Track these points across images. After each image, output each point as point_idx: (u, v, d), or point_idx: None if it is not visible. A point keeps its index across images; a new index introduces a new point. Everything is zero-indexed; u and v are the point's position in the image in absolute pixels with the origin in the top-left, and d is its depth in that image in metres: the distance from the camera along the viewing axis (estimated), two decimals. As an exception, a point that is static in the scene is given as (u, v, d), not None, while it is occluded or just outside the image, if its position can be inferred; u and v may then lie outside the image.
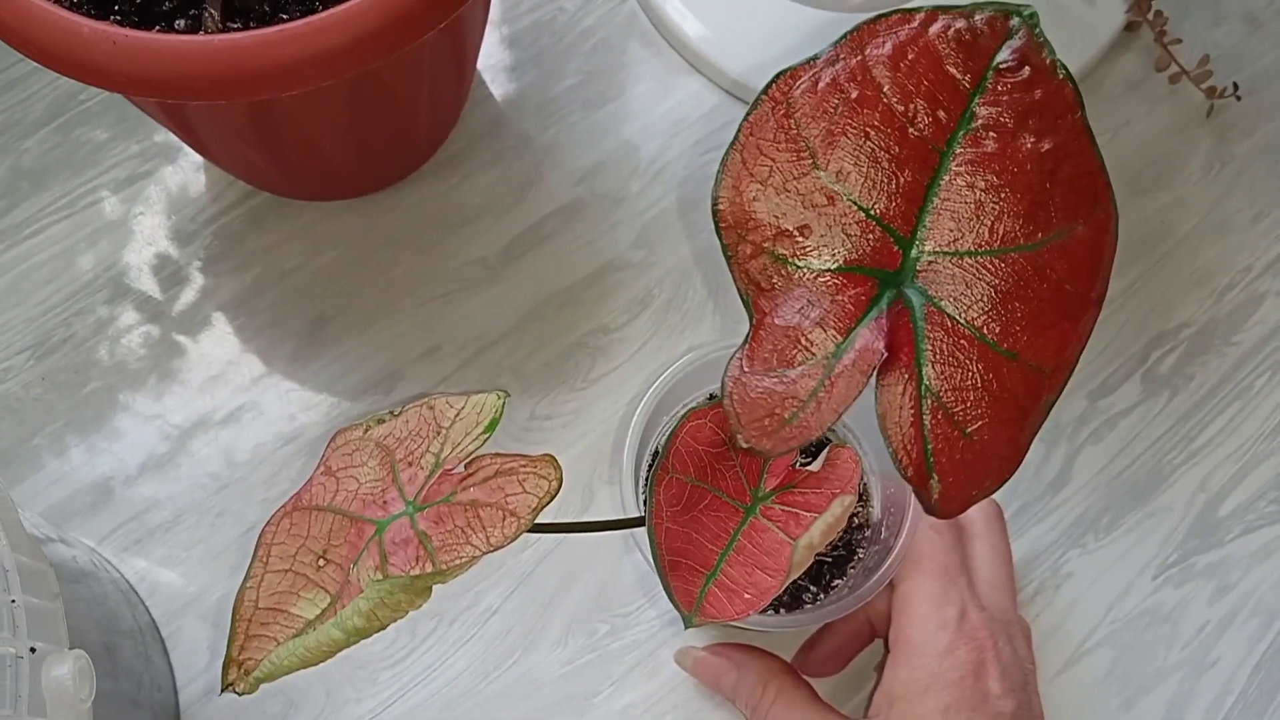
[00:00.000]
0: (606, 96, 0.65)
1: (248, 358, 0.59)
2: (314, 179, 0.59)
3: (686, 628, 0.32)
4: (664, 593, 0.33)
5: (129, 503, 0.55)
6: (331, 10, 0.41)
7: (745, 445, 0.28)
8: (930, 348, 0.28)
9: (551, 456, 0.32)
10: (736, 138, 0.29)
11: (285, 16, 0.47)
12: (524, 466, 0.32)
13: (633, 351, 0.59)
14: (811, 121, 0.28)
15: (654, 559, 0.33)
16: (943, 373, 0.27)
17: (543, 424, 0.58)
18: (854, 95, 0.28)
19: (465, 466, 0.33)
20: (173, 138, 0.63)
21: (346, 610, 0.30)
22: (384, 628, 0.30)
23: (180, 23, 0.46)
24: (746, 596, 0.32)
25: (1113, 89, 0.66)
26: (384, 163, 0.59)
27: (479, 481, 0.33)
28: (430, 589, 0.30)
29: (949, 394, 0.27)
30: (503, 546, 0.31)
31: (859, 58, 0.27)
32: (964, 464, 0.28)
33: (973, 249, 0.28)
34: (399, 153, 0.59)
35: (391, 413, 0.35)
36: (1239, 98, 0.65)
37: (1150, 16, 0.65)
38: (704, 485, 0.35)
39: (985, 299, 0.28)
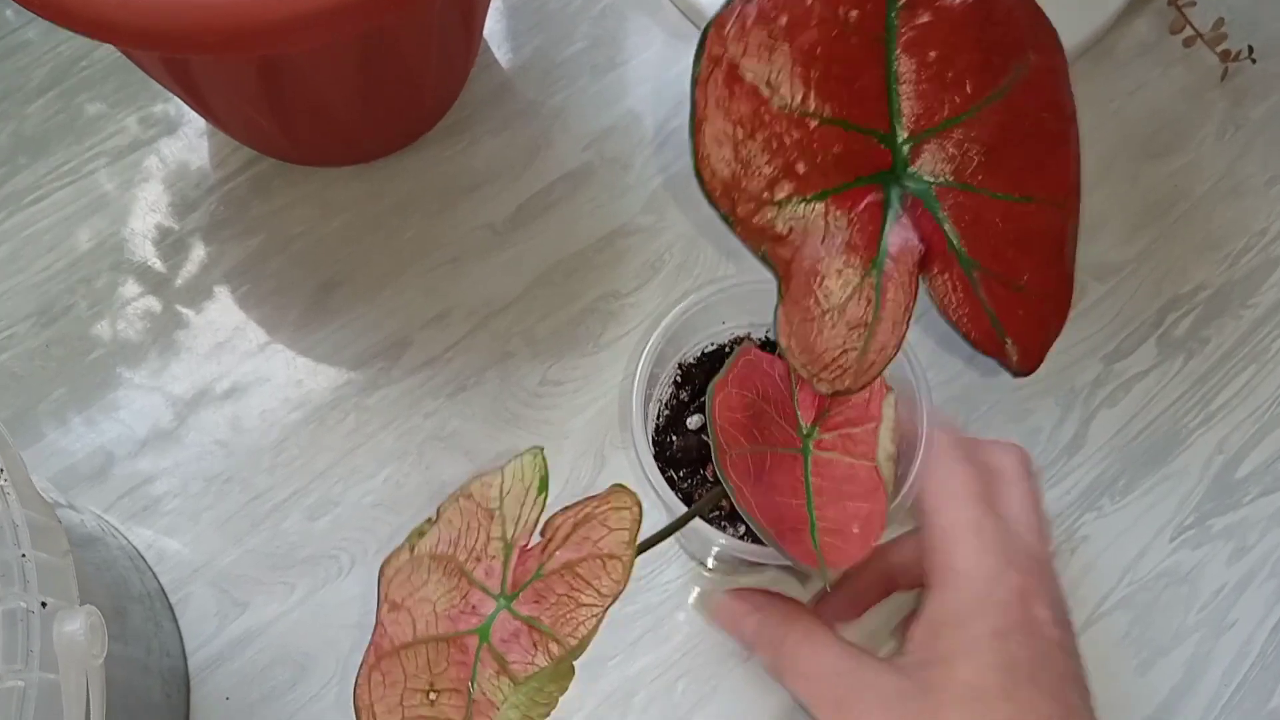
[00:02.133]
0: (615, 61, 0.64)
1: (253, 324, 0.58)
2: (320, 143, 0.58)
3: (828, 585, 0.32)
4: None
5: (135, 470, 0.55)
6: (341, -40, 0.40)
7: (829, 392, 0.27)
8: (954, 223, 0.27)
9: (622, 486, 0.30)
10: (693, 105, 0.28)
11: (292, -30, 0.46)
12: (598, 508, 0.31)
13: (643, 316, 0.59)
14: (756, 61, 0.27)
15: (766, 539, 0.32)
16: (975, 242, 0.27)
17: (553, 389, 0.57)
18: (784, 22, 0.27)
19: (542, 535, 0.32)
20: (176, 104, 0.62)
21: None
22: None
23: (186, -24, 0.45)
24: (855, 530, 0.32)
25: (1126, 53, 0.66)
26: (391, 126, 0.59)
27: (561, 543, 0.31)
28: (573, 667, 0.29)
29: (989, 259, 0.27)
30: (618, 593, 0.30)
31: None
32: (1027, 317, 0.28)
33: (950, 118, 0.28)
34: (406, 116, 0.59)
35: (429, 521, 0.33)
36: (1254, 61, 0.64)
37: (1164, -22, 0.64)
38: (759, 448, 0.34)
39: (981, 159, 0.28)
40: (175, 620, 0.52)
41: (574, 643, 0.29)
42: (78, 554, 0.40)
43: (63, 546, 0.37)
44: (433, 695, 0.30)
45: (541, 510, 0.32)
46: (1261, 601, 0.55)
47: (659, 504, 0.43)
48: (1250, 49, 0.64)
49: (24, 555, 0.35)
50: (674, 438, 0.47)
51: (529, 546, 0.32)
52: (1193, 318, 0.60)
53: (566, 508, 0.31)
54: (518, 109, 0.63)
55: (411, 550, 0.32)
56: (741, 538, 0.43)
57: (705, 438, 0.47)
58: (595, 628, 0.30)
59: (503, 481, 0.32)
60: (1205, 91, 0.65)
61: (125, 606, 0.48)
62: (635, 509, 0.30)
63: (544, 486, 0.32)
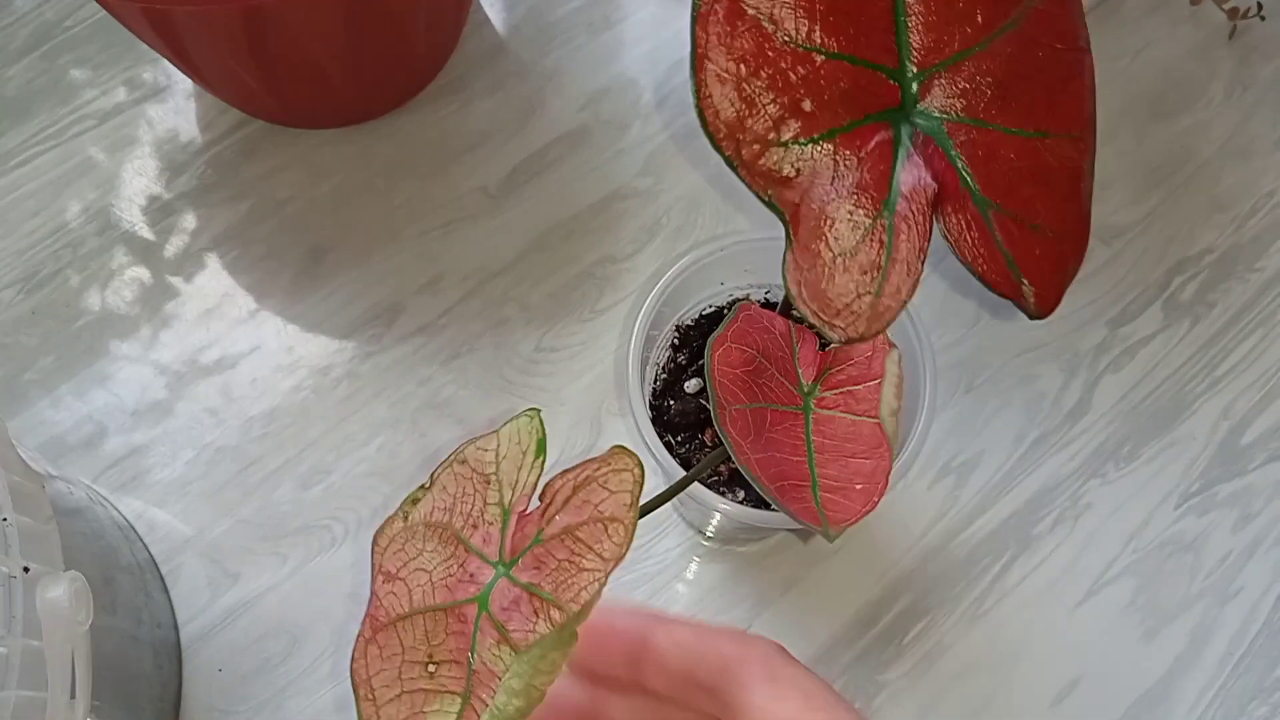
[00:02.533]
0: (610, 21, 0.63)
1: (243, 291, 0.57)
2: (309, 102, 0.57)
3: (830, 541, 0.30)
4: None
5: (124, 440, 0.54)
6: (326, -94, 0.39)
7: (843, 340, 0.26)
8: (967, 161, 0.26)
9: (622, 447, 0.29)
10: (694, 43, 0.27)
11: (277, -79, 0.45)
12: (598, 470, 0.30)
13: (640, 281, 0.57)
14: None
15: (766, 495, 0.31)
16: (989, 179, 0.26)
17: (549, 356, 0.56)
18: None
19: (540, 499, 0.31)
20: (162, 65, 0.61)
21: (499, 699, 0.28)
22: (543, 696, 0.28)
23: (167, -73, 0.44)
24: (858, 487, 0.31)
25: (1133, 10, 0.64)
26: (381, 86, 0.57)
27: (560, 507, 0.30)
28: (576, 633, 0.28)
29: (1004, 197, 0.26)
30: (620, 557, 0.29)
31: None
32: (1044, 257, 0.27)
33: (960, 51, 0.27)
34: (397, 75, 0.57)
35: (423, 488, 0.32)
36: (1263, 18, 0.63)
37: (1171, -66, 0.63)
38: (759, 405, 0.33)
39: (993, 93, 0.27)
40: (166, 591, 0.51)
41: (576, 609, 0.28)
42: (65, 524, 0.39)
43: (46, 512, 0.36)
44: (431, 667, 0.29)
45: (539, 474, 0.31)
46: (1267, 569, 0.54)
47: (657, 470, 0.42)
48: (1259, 6, 0.63)
49: (5, 519, 0.34)
50: (671, 402, 0.46)
51: (527, 511, 0.31)
52: (1199, 281, 0.59)
53: (565, 471, 0.30)
54: (511, 69, 0.61)
55: (405, 518, 0.31)
56: (741, 503, 0.42)
57: (703, 402, 0.46)
58: (598, 593, 0.28)
59: (498, 445, 0.31)
60: (1213, 50, 0.64)
61: (114, 576, 0.47)
62: (636, 470, 0.29)
63: (541, 449, 0.31)
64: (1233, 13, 0.63)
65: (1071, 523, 0.55)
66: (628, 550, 0.29)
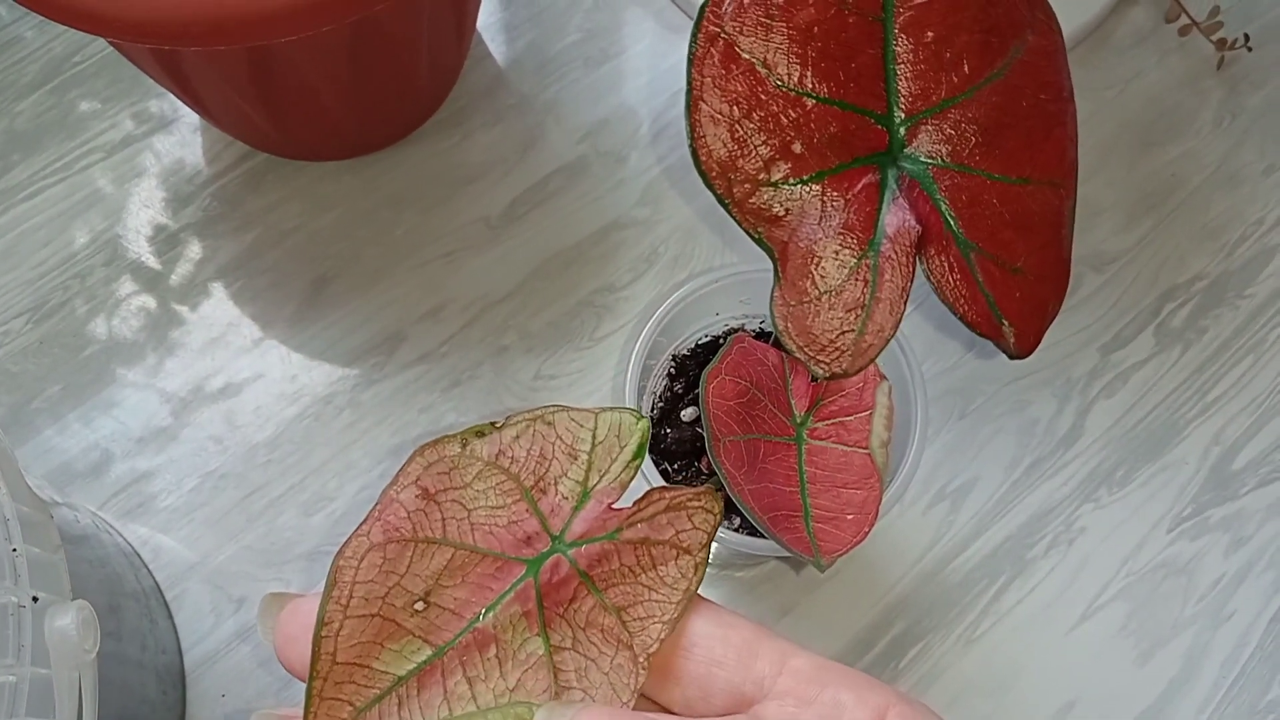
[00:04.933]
0: (608, 54, 0.64)
1: (248, 320, 0.58)
2: (313, 136, 0.58)
3: (822, 572, 0.31)
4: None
5: (129, 467, 0.55)
6: (331, -51, 0.40)
7: (826, 375, 0.27)
8: (951, 204, 0.27)
9: (711, 489, 0.29)
10: (690, 84, 0.28)
11: (283, -38, 0.46)
12: (691, 500, 0.29)
13: (638, 309, 0.58)
14: (753, 40, 0.27)
15: (759, 525, 0.32)
16: (972, 223, 0.27)
17: (549, 383, 0.57)
18: (780, 0, 0.27)
19: (637, 503, 0.29)
20: (169, 100, 0.62)
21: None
22: None
23: (175, -31, 0.45)
24: (850, 518, 0.31)
25: (1122, 41, 0.66)
26: (384, 119, 0.58)
27: (648, 518, 0.29)
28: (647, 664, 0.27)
29: (986, 241, 0.27)
30: (689, 591, 0.28)
31: None
32: (1024, 299, 0.28)
33: (947, 98, 0.28)
34: (399, 109, 0.58)
35: (493, 424, 0.30)
36: (1250, 49, 0.64)
37: (1159, -33, 0.64)
38: (753, 436, 0.34)
39: (978, 139, 0.28)
40: (171, 617, 0.52)
41: (639, 630, 0.27)
42: (71, 551, 0.40)
43: (54, 541, 0.37)
44: (420, 605, 0.27)
45: (633, 475, 0.30)
46: (1260, 592, 0.55)
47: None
48: (1246, 37, 0.64)
49: (15, 550, 0.35)
50: (668, 430, 0.47)
51: (614, 507, 0.29)
52: (1190, 308, 0.60)
53: (665, 488, 0.29)
54: (511, 102, 0.62)
55: (464, 445, 0.29)
56: (737, 530, 0.43)
57: (699, 430, 0.47)
58: (662, 630, 0.27)
59: (596, 427, 0.30)
60: (1202, 80, 0.65)
61: (120, 603, 0.47)
62: (718, 515, 0.29)
63: (640, 453, 0.30)
64: (1220, 43, 0.64)
65: (1065, 547, 0.55)
66: (697, 586, 0.28)
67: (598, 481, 0.29)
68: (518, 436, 0.29)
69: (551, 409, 0.30)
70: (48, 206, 0.59)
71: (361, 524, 0.28)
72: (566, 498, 0.29)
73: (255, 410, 0.56)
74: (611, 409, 0.30)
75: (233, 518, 0.54)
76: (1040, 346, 0.59)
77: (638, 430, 0.29)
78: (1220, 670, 0.54)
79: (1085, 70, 0.65)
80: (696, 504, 0.29)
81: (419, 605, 0.27)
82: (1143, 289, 0.60)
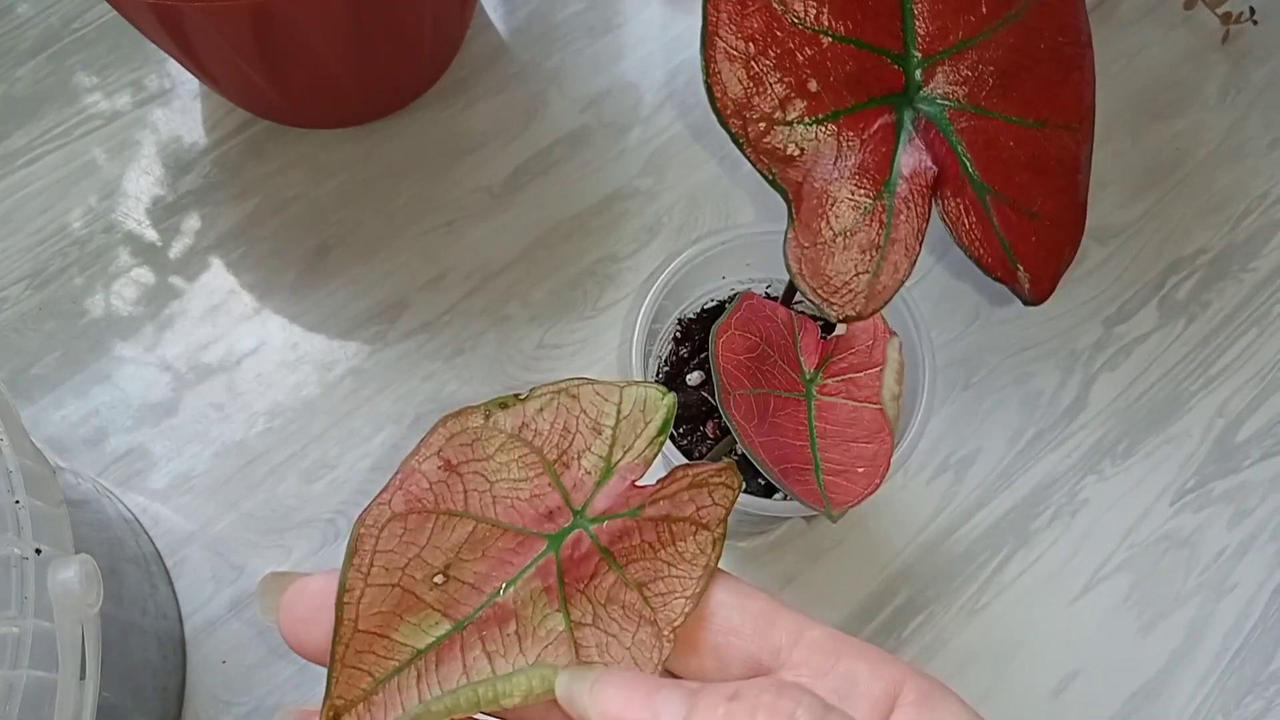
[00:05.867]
0: (612, 24, 0.64)
1: (248, 288, 0.57)
2: (315, 102, 0.57)
3: (833, 522, 0.31)
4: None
5: (129, 434, 0.54)
6: (337, -97, 0.40)
7: (840, 317, 0.27)
8: (967, 147, 0.27)
9: (732, 464, 0.29)
10: (705, 20, 0.27)
11: (287, -80, 0.45)
12: (713, 476, 0.29)
13: (641, 279, 0.58)
14: None
15: (770, 476, 0.32)
16: (988, 166, 0.27)
17: (551, 352, 0.57)
18: None
19: (660, 481, 0.29)
20: (169, 66, 0.61)
21: (512, 685, 0.26)
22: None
23: (178, -75, 0.45)
24: (860, 471, 0.31)
25: (1128, 15, 0.65)
26: (387, 86, 0.58)
27: (670, 495, 0.29)
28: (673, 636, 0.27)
29: (1002, 184, 0.27)
30: (708, 567, 0.28)
31: None
32: (1040, 244, 0.28)
33: (964, 39, 0.27)
34: (402, 75, 0.58)
35: (516, 396, 0.29)
36: (1255, 23, 0.64)
37: (1165, -60, 0.64)
38: (762, 391, 0.34)
39: (995, 81, 0.27)
40: (171, 584, 0.52)
41: (661, 605, 0.27)
42: (73, 514, 0.39)
43: (57, 496, 0.37)
44: (439, 579, 0.27)
45: (658, 452, 0.29)
46: (1262, 564, 0.55)
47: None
48: (1251, 11, 0.63)
49: (18, 502, 0.34)
50: (674, 394, 0.47)
51: (638, 485, 0.29)
52: (1194, 281, 0.60)
53: (687, 465, 0.29)
54: (514, 71, 0.62)
55: (487, 417, 0.29)
56: (746, 492, 0.43)
57: (705, 394, 0.47)
58: (685, 605, 0.27)
59: (621, 401, 0.29)
60: (1207, 54, 0.65)
61: (120, 568, 0.47)
62: (737, 491, 0.29)
63: (665, 429, 0.29)
64: (1226, 17, 0.63)
65: (1068, 518, 0.55)
66: (716, 561, 0.28)
67: (621, 457, 0.29)
68: (541, 409, 0.29)
69: (576, 381, 0.29)
70: (46, 173, 0.59)
71: (382, 492, 0.27)
72: (589, 473, 0.29)
73: (256, 378, 0.55)
74: (637, 383, 0.29)
75: (233, 485, 0.54)
76: (1044, 317, 0.59)
77: (663, 406, 0.29)
78: (1222, 642, 0.53)
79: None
80: (718, 480, 0.28)
81: (438, 579, 0.27)
82: (1147, 262, 0.60)
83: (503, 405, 0.29)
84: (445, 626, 0.27)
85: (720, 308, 0.48)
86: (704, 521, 0.28)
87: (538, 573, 0.27)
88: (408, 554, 0.27)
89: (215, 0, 0.41)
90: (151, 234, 0.58)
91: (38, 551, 0.34)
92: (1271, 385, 0.58)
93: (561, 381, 0.29)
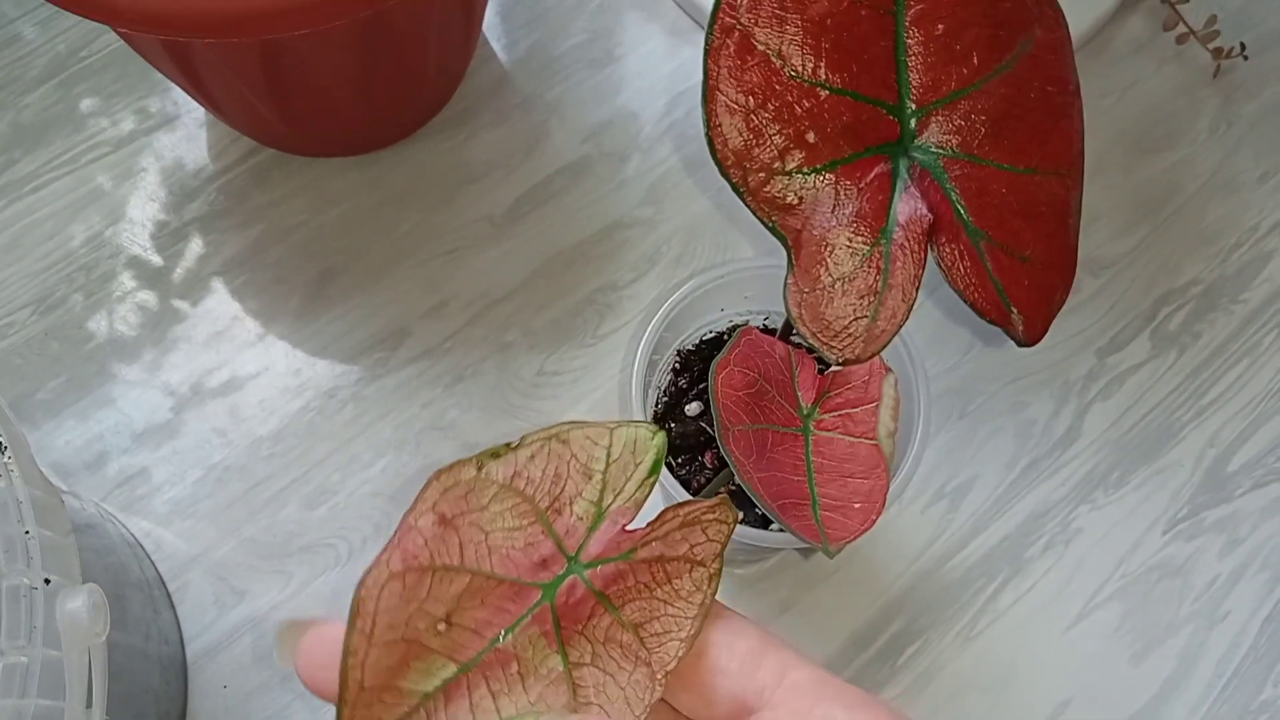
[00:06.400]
0: (613, 55, 0.65)
1: (252, 314, 0.58)
2: (320, 132, 0.58)
3: (830, 557, 0.31)
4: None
5: (133, 459, 0.55)
6: (345, -56, 0.41)
7: (839, 361, 0.27)
8: (961, 194, 0.28)
9: (726, 499, 0.29)
10: (706, 75, 0.28)
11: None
12: (705, 514, 0.29)
13: (641, 308, 0.59)
14: (769, 32, 0.28)
15: (768, 512, 0.32)
16: (982, 212, 0.28)
17: (551, 380, 0.57)
18: None
19: (652, 523, 0.30)
20: (175, 95, 0.62)
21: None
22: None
23: (189, -38, 0.45)
24: (857, 506, 0.32)
25: (1120, 49, 0.66)
26: (391, 116, 0.59)
27: (662, 535, 0.29)
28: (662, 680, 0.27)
29: (995, 229, 0.28)
30: (705, 604, 0.28)
31: None
32: (1032, 287, 0.28)
33: (956, 90, 0.28)
34: (405, 106, 0.59)
35: (508, 445, 0.29)
36: (1246, 58, 0.65)
37: (1157, -24, 0.65)
38: (760, 427, 0.35)
39: (987, 130, 0.28)
40: (173, 608, 0.52)
41: (656, 645, 0.28)
42: (77, 539, 0.40)
43: (66, 526, 0.37)
44: (443, 626, 0.28)
45: (648, 494, 0.30)
46: (1253, 593, 0.55)
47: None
48: (1242, 46, 0.65)
49: (28, 532, 0.35)
50: (672, 425, 0.48)
51: (629, 528, 0.30)
52: (1186, 312, 0.61)
53: (678, 505, 0.29)
54: (516, 102, 0.63)
55: (479, 469, 0.29)
56: (743, 523, 0.43)
57: (703, 425, 0.48)
58: (679, 649, 0.28)
59: (611, 444, 0.30)
60: (1198, 88, 0.66)
61: (124, 593, 0.47)
62: (731, 525, 0.29)
63: (656, 469, 0.30)
64: (1217, 52, 0.64)
65: (1062, 547, 0.56)
66: (712, 598, 0.28)
67: (612, 501, 0.29)
68: (533, 456, 0.29)
69: (567, 426, 0.30)
70: (53, 200, 0.60)
71: (381, 553, 0.28)
72: (581, 518, 0.29)
73: (259, 404, 0.56)
74: (627, 423, 0.30)
75: (235, 510, 0.54)
76: (1038, 348, 0.60)
77: (653, 446, 0.29)
78: (1214, 670, 0.54)
79: (1083, 78, 0.65)
80: (711, 516, 0.29)
81: (442, 626, 0.28)
82: (1139, 293, 0.61)
83: (494, 455, 0.29)
84: (451, 669, 0.27)
85: (719, 339, 0.49)
86: (699, 559, 0.29)
87: (534, 620, 0.28)
88: (409, 608, 0.27)
89: (224, 36, 0.42)
90: (156, 260, 0.58)
91: (46, 581, 0.35)
92: (1262, 416, 0.59)
93: (553, 427, 0.29)
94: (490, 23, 0.65)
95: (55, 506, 0.37)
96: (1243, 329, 0.61)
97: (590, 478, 0.29)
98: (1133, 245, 0.62)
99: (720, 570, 0.29)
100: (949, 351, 0.59)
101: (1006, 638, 0.54)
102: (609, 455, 0.29)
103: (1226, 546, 0.56)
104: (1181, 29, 0.65)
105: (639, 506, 0.29)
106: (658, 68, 0.64)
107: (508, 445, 0.29)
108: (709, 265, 0.60)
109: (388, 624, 0.27)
